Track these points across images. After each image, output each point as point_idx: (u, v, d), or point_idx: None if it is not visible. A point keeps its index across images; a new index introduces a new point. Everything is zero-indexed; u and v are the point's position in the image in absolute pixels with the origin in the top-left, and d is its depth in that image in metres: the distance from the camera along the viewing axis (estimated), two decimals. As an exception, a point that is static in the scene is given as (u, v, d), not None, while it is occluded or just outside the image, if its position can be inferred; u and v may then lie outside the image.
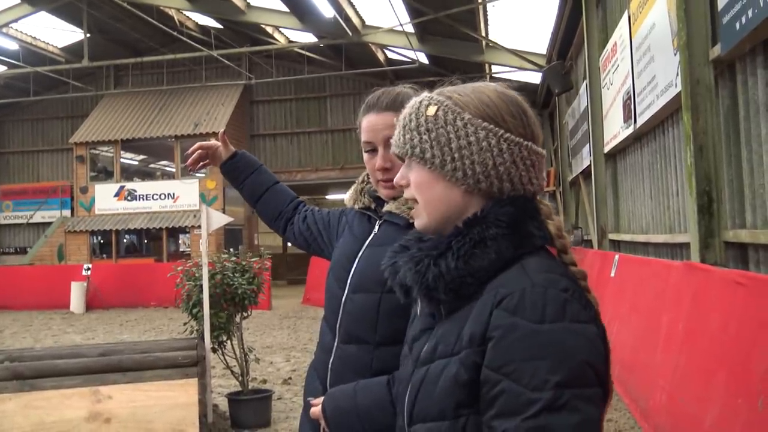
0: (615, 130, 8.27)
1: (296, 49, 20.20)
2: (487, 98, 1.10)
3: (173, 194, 20.47)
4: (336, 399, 1.45)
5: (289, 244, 28.03)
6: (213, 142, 2.15)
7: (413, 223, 1.53)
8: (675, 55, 5.23)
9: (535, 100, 19.77)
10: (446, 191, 1.10)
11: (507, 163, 1.07)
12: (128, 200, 20.69)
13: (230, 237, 20.07)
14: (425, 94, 1.16)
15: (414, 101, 1.17)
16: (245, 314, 5.58)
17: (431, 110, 1.11)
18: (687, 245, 5.63)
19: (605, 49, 8.78)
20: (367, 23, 16.37)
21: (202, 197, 19.82)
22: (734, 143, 4.57)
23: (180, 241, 22.28)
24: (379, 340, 1.54)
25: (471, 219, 1.08)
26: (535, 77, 16.35)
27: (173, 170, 21.93)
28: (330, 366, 1.62)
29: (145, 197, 20.64)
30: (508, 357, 0.95)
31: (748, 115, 4.30)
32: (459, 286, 1.05)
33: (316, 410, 1.47)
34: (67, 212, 22.34)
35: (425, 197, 1.12)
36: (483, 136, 1.07)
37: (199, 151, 2.11)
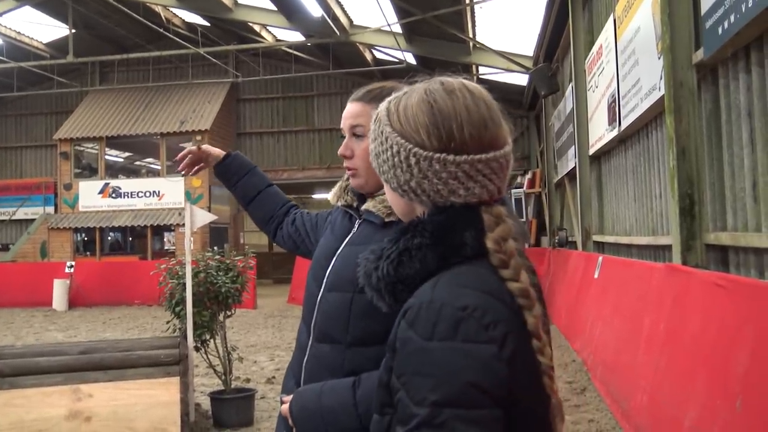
0: (600, 133, 8.33)
1: (284, 48, 20.15)
2: (409, 108, 1.09)
3: (158, 192, 20.34)
4: (303, 398, 1.48)
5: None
6: (202, 148, 2.15)
7: (390, 222, 1.55)
8: (659, 58, 5.27)
9: (522, 102, 19.87)
10: (394, 198, 1.15)
11: (416, 178, 1.06)
12: (113, 197, 20.53)
13: (216, 236, 19.97)
14: (384, 101, 1.17)
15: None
16: (229, 313, 5.55)
17: (375, 120, 1.15)
18: (670, 247, 5.69)
19: (591, 52, 8.84)
20: (354, 23, 16.37)
21: (188, 195, 19.71)
22: (716, 146, 4.62)
23: (165, 240, 22.15)
24: (351, 341, 1.53)
25: (405, 227, 1.09)
26: (521, 79, 16.44)
27: (158, 168, 21.80)
28: (304, 365, 1.62)
29: (129, 195, 20.48)
30: (403, 369, 0.97)
31: (730, 119, 4.35)
32: (393, 291, 1.08)
33: (285, 408, 1.51)
34: (50, 209, 22.11)
35: (389, 199, 1.19)
36: (395, 151, 1.08)
37: (190, 155, 2.10)
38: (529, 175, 18.17)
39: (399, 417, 0.97)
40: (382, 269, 1.08)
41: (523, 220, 14.58)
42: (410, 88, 1.14)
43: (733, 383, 3.11)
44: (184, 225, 17.40)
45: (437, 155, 1.05)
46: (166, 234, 21.40)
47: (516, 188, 16.21)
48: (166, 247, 20.94)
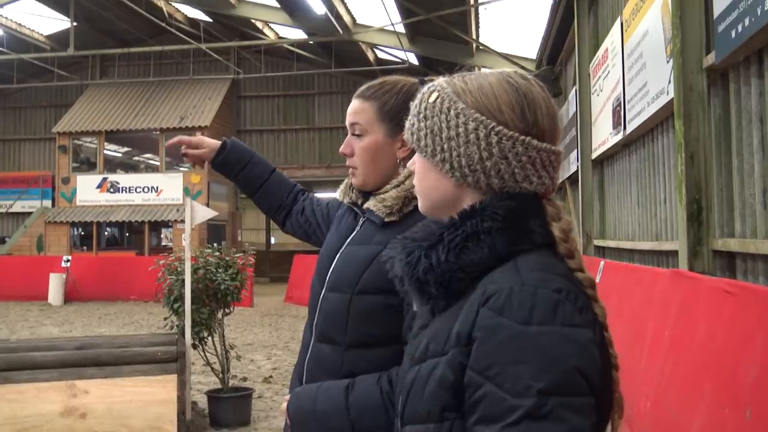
0: (603, 137, 8.28)
1: (285, 46, 20.09)
2: (487, 86, 1.04)
3: (157, 187, 20.26)
4: (299, 399, 1.47)
5: (273, 241, 27.90)
6: (195, 138, 2.06)
7: (390, 222, 1.51)
8: (668, 62, 5.21)
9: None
10: (438, 181, 1.06)
11: (495, 157, 1.00)
12: (111, 192, 20.45)
13: (213, 232, 19.91)
14: (438, 80, 1.11)
15: (425, 87, 1.13)
16: (227, 311, 5.49)
17: (432, 97, 1.07)
18: (673, 253, 5.63)
19: (596, 56, 8.79)
20: (358, 21, 16.32)
21: (186, 191, 19.64)
22: (725, 152, 4.56)
23: (162, 236, 22.07)
24: (349, 342, 1.49)
25: (467, 211, 1.02)
26: (524, 82, 16.35)
27: (157, 163, 21.73)
28: (305, 365, 1.59)
29: (128, 190, 20.41)
30: (492, 359, 0.89)
31: (741, 125, 4.30)
32: (449, 281, 1.00)
33: (283, 407, 1.51)
34: (47, 203, 22.02)
35: (420, 184, 1.10)
36: (472, 128, 1.01)
37: (183, 144, 2.01)
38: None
39: (486, 414, 0.88)
40: (439, 256, 1.00)
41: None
42: (474, 73, 1.10)
43: (744, 392, 3.05)
44: (182, 221, 17.39)
45: (522, 137, 1.01)
46: (163, 230, 21.36)
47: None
48: (163, 243, 20.88)
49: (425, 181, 1.08)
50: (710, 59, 4.41)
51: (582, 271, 1.00)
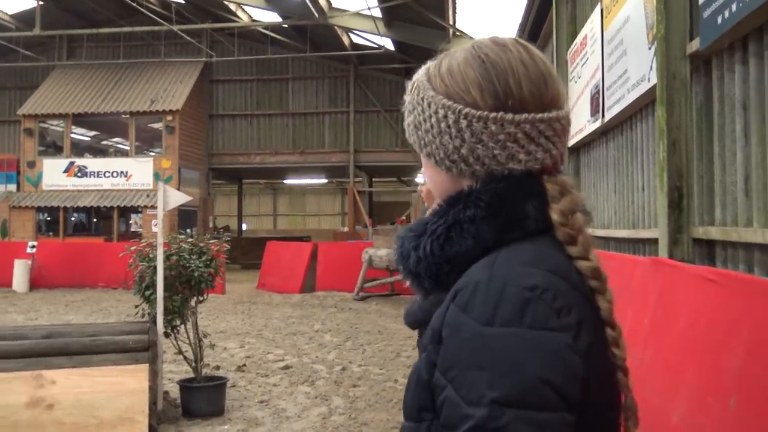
0: (581, 124, 8.26)
1: (260, 29, 19.76)
2: (455, 67, 0.94)
3: (126, 172, 19.86)
4: None
5: (245, 227, 27.62)
6: None
7: None
8: (649, 49, 5.18)
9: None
10: (437, 175, 0.98)
11: (469, 143, 0.90)
12: (78, 177, 19.98)
13: (184, 218, 19.57)
14: (422, 67, 1.03)
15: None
16: (201, 298, 5.35)
17: (411, 88, 1.00)
18: (650, 241, 5.63)
19: (574, 42, 8.75)
20: (333, 5, 16.10)
21: (157, 176, 19.27)
22: (706, 139, 4.54)
23: (131, 221, 21.67)
24: None
25: (453, 197, 0.93)
26: (499, 69, 16.34)
27: (127, 148, 21.27)
28: None
29: (96, 174, 19.96)
30: (452, 361, 0.81)
31: (723, 112, 4.27)
32: (437, 274, 0.91)
33: None
34: (12, 187, 21.40)
35: (428, 181, 1.03)
36: (442, 116, 0.93)
37: None
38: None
39: (444, 420, 0.80)
40: (425, 247, 0.91)
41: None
42: (450, 51, 0.98)
43: (727, 380, 3.03)
44: (152, 207, 17.03)
45: (493, 114, 0.90)
46: (132, 215, 20.96)
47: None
48: (132, 229, 20.50)
49: (428, 177, 1.02)
50: (694, 45, 4.37)
51: (586, 259, 0.89)
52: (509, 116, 0.90)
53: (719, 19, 3.85)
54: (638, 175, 6.22)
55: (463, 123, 0.91)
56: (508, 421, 0.75)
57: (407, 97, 1.00)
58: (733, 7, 3.61)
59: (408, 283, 0.99)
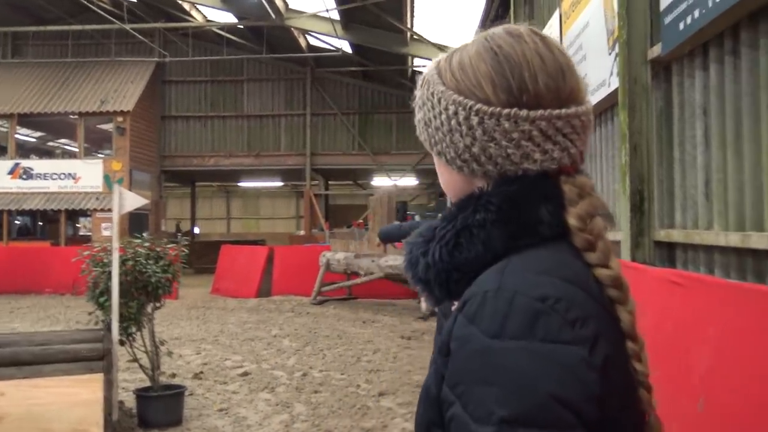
0: (539, 128, 8.36)
1: (214, 29, 19.44)
2: (467, 60, 0.89)
3: (74, 174, 19.24)
4: None
5: (197, 230, 27.10)
6: None
7: None
8: (609, 54, 5.25)
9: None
10: (449, 175, 0.93)
11: (480, 141, 0.86)
12: (23, 179, 19.28)
13: (136, 222, 19.07)
14: (433, 60, 0.98)
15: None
16: (158, 304, 5.17)
17: (421, 83, 0.95)
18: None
19: (532, 48, 8.86)
20: (290, 6, 15.95)
21: (107, 179, 18.75)
22: (666, 144, 4.62)
23: (80, 225, 21.04)
24: None
25: (463, 201, 0.88)
26: (456, 73, 16.43)
27: (75, 149, 20.63)
28: None
29: (42, 176, 19.28)
30: (460, 375, 0.77)
31: (683, 117, 4.35)
32: (446, 282, 0.87)
33: None
34: (-48, 189, 20.54)
35: (440, 180, 0.98)
36: (452, 113, 0.88)
37: None
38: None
39: None
40: (434, 254, 0.86)
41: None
42: (463, 44, 0.93)
43: (695, 382, 3.06)
44: (101, 210, 16.53)
45: (506, 111, 0.84)
46: (81, 219, 20.34)
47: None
48: (81, 233, 19.90)
49: (440, 176, 0.97)
50: (655, 51, 4.44)
51: (606, 267, 0.84)
52: (523, 112, 0.84)
53: (681, 26, 3.92)
54: (596, 180, 6.30)
55: (474, 120, 0.86)
56: None
57: (417, 93, 0.95)
58: (696, 14, 3.67)
59: (418, 291, 0.94)
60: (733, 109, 3.72)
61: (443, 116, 0.88)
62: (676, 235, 4.28)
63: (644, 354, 0.84)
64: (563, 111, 0.85)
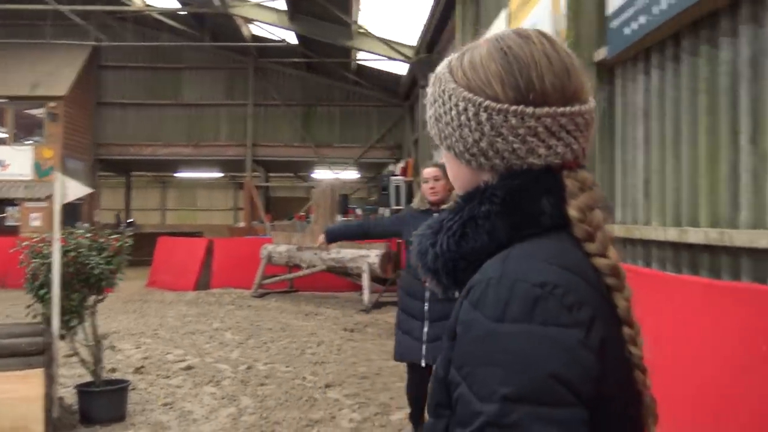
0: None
1: (154, 14, 18.89)
2: (477, 59, 0.95)
3: (2, 162, 18.40)
4: None
5: (132, 220, 26.33)
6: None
7: None
8: (556, 55, 5.40)
9: (397, 92, 20.04)
10: (457, 168, 0.99)
11: (489, 136, 0.91)
12: (-54, 165, 18.31)
13: (69, 212, 18.34)
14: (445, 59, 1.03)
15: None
16: (100, 297, 5.04)
17: (432, 81, 1.01)
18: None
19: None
20: (234, -6, 15.67)
21: (37, 166, 18.02)
22: (608, 144, 4.80)
23: (7, 214, 20.12)
24: None
25: (470, 193, 0.95)
26: (399, 68, 16.56)
27: (4, 135, 19.70)
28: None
29: (-33, 163, 18.35)
30: (465, 357, 0.83)
31: (625, 118, 4.53)
32: (453, 270, 0.93)
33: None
34: None
35: (449, 174, 1.03)
36: (462, 109, 0.93)
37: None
38: (402, 164, 18.40)
39: (458, 417, 0.81)
40: (441, 244, 0.92)
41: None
42: (474, 43, 0.98)
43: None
44: (30, 199, 15.85)
45: (513, 107, 0.91)
46: (8, 208, 19.46)
47: (393, 175, 16.33)
48: (8, 223, 19.04)
49: (449, 170, 1.02)
50: (602, 54, 4.60)
51: (603, 256, 0.90)
52: (530, 110, 0.90)
53: (626, 31, 4.08)
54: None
55: (483, 116, 0.91)
56: (519, 417, 0.75)
57: (429, 90, 1.00)
58: (642, 19, 3.83)
59: (427, 280, 0.99)
60: (673, 113, 3.91)
61: (453, 112, 0.94)
62: (617, 230, 4.46)
63: (639, 339, 0.90)
64: (567, 109, 0.91)
